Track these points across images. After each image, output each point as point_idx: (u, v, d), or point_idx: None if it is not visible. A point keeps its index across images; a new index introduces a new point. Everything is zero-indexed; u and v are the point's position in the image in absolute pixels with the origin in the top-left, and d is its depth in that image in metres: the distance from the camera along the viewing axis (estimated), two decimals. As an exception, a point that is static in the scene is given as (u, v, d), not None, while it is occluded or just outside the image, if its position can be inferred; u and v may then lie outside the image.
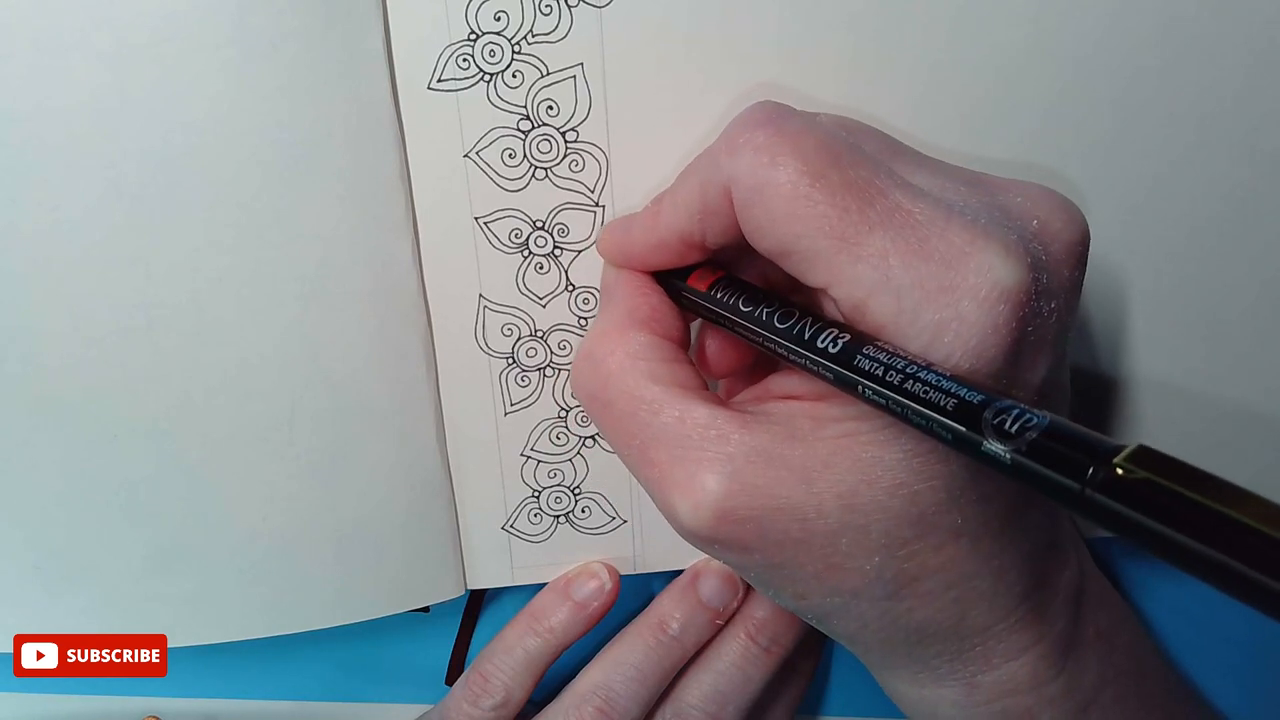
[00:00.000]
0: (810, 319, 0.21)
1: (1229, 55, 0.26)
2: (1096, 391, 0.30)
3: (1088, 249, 0.22)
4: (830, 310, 0.22)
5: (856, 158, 0.21)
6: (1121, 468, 0.15)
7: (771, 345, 0.22)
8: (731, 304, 0.23)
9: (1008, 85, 0.26)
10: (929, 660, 0.24)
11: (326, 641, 0.33)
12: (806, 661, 0.34)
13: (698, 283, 0.24)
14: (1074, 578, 0.25)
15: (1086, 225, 0.22)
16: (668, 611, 0.31)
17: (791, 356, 0.21)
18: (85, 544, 0.29)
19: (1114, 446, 0.15)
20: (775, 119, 0.21)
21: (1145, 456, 0.15)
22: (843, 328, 0.21)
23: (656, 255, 0.25)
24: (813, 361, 0.21)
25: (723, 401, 0.23)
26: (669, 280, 0.25)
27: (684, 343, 0.25)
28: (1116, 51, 0.26)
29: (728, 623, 0.32)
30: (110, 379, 0.27)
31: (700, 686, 0.31)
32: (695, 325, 0.27)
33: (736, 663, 0.31)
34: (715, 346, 0.26)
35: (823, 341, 0.21)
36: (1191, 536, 0.14)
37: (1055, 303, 0.21)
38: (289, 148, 0.26)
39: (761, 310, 0.22)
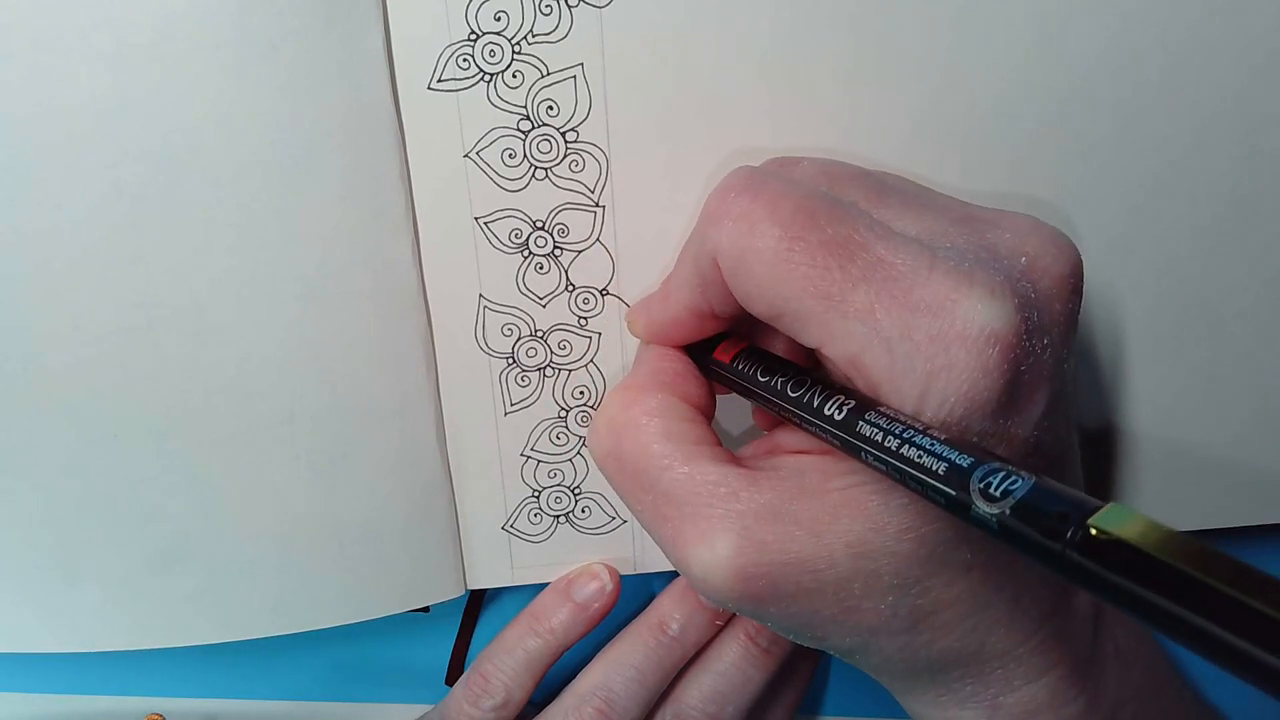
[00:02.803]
0: (820, 386, 0.22)
1: (1229, 69, 0.26)
2: (1100, 413, 0.30)
3: (1081, 280, 0.22)
4: (832, 369, 0.22)
5: (835, 214, 0.21)
6: (1095, 528, 0.15)
7: (786, 413, 0.23)
8: (750, 374, 0.24)
9: (1008, 93, 0.26)
10: (951, 684, 0.24)
11: (326, 641, 0.33)
12: (806, 661, 0.34)
13: (722, 355, 0.25)
14: (1090, 597, 0.25)
15: (1078, 256, 0.22)
16: (668, 612, 0.31)
17: (804, 425, 0.22)
18: (85, 545, 0.29)
19: (1091, 507, 0.16)
20: (751, 186, 0.22)
21: (1118, 517, 0.15)
22: (849, 394, 0.21)
23: (677, 330, 0.26)
24: (821, 428, 0.21)
25: (734, 458, 0.23)
26: (699, 354, 0.26)
27: (705, 408, 0.25)
28: (1117, 62, 0.26)
29: (727, 623, 0.32)
30: (110, 379, 0.27)
31: (700, 687, 0.31)
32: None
33: (736, 663, 0.31)
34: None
35: (829, 409, 0.21)
36: (1160, 595, 0.14)
37: (1048, 338, 0.21)
38: (289, 148, 0.26)
39: (776, 380, 0.23)
